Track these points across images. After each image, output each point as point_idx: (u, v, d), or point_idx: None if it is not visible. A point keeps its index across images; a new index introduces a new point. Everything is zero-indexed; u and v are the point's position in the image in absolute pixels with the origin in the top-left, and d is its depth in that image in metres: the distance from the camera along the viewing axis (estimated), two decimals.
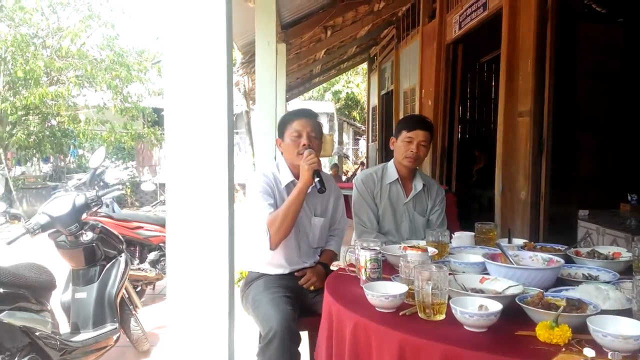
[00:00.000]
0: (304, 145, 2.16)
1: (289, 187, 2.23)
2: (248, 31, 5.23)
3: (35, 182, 10.10)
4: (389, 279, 1.63)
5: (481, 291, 1.41)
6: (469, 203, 6.39)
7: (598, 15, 5.77)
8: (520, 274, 1.52)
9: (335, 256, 2.44)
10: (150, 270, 4.70)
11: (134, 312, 3.43)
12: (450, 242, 2.12)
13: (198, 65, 1.18)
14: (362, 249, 1.62)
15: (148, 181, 6.90)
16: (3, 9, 9.20)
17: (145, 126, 11.65)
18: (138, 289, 4.67)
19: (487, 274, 1.65)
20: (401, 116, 8.18)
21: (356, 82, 20.27)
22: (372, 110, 11.67)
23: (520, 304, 1.29)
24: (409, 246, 1.62)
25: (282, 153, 2.29)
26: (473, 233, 2.23)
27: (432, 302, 1.29)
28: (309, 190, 2.15)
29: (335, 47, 8.57)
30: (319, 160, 2.09)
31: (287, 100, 9.10)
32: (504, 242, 2.16)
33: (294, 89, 10.94)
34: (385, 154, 9.94)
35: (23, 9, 9.23)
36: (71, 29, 9.81)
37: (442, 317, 1.32)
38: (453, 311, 1.25)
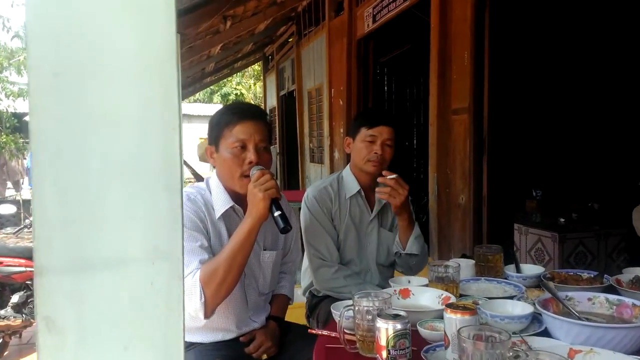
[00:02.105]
0: (250, 163, 1.50)
1: (228, 216, 1.56)
2: None
3: None
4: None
5: None
6: None
7: None
8: (613, 336, 1.03)
9: (288, 301, 1.82)
10: (14, 317, 3.69)
11: None
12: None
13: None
14: (381, 317, 1.02)
15: (7, 202, 5.62)
16: None
17: (3, 133, 9.78)
18: None
19: (543, 332, 1.16)
20: (307, 117, 7.68)
21: (247, 84, 19.51)
22: (269, 112, 11.04)
23: None
24: (448, 306, 1.06)
25: (213, 167, 1.62)
26: (470, 260, 1.75)
27: None
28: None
29: (231, 43, 7.81)
30: (277, 184, 1.45)
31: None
32: (510, 270, 1.71)
33: (183, 89, 9.90)
34: (288, 157, 9.39)
35: None
36: None
37: None
38: None
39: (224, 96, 18.97)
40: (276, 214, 1.39)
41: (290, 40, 8.44)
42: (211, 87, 17.93)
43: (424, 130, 8.33)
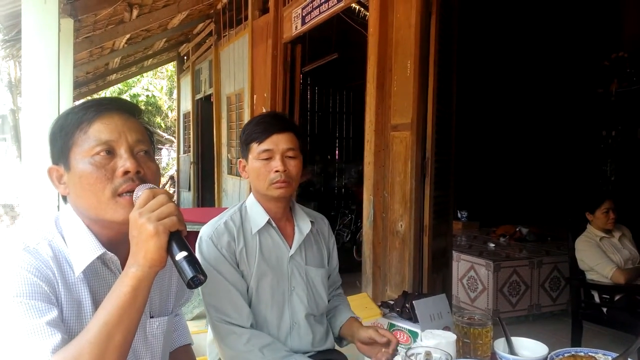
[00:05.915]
0: (126, 173, 0.94)
1: (94, 272, 0.99)
2: None
3: None
4: None
5: None
6: None
7: None
8: None
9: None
10: None
11: None
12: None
13: None
14: None
15: None
16: None
17: None
18: None
19: None
20: (225, 125, 7.01)
21: (158, 85, 18.25)
22: (183, 117, 10.16)
23: None
24: None
25: (65, 198, 1.02)
26: (451, 335, 1.29)
27: None
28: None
29: (140, 37, 6.97)
30: (179, 210, 0.89)
31: (74, 100, 7.10)
32: (499, 347, 1.28)
33: (82, 86, 8.76)
34: (202, 167, 8.63)
35: None
36: None
37: None
38: None
39: (133, 97, 17.55)
40: (179, 256, 0.85)
41: (209, 40, 7.76)
42: (119, 86, 16.50)
43: (346, 143, 8.08)
